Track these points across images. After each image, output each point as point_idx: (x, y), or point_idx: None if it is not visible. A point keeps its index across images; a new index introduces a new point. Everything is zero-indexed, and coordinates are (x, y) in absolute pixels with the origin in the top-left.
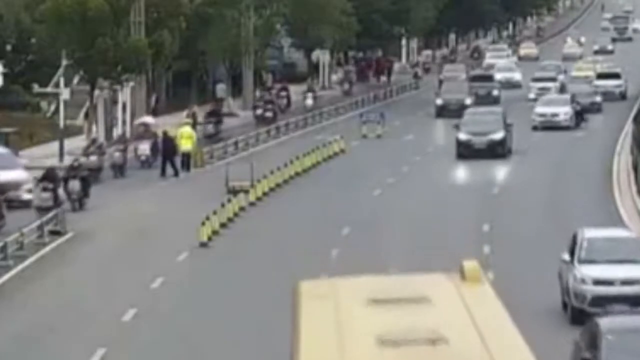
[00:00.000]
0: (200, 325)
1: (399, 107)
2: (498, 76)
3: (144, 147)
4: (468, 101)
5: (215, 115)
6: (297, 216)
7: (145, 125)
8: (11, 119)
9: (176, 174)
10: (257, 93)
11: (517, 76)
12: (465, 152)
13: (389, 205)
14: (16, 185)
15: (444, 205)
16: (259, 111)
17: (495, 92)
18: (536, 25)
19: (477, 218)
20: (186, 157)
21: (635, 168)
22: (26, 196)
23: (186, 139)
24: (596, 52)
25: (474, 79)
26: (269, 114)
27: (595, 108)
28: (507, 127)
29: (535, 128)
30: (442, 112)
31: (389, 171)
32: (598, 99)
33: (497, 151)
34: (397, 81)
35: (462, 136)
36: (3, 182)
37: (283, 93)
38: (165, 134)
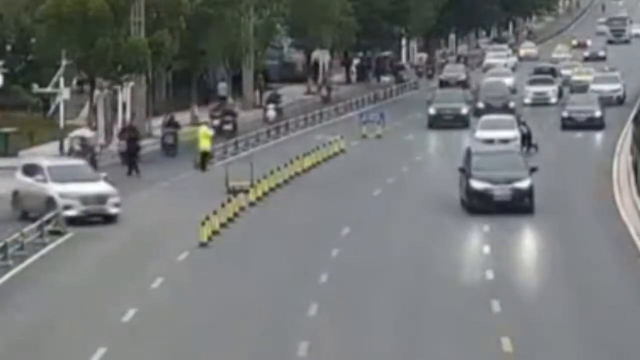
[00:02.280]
0: (200, 325)
1: (399, 107)
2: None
3: None
4: (464, 110)
5: (231, 115)
6: (297, 216)
7: (82, 139)
8: (11, 119)
9: (136, 171)
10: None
11: (508, 81)
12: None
13: (389, 205)
14: (102, 199)
15: (444, 205)
16: (216, 122)
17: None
18: (526, 31)
19: (476, 217)
20: (205, 156)
21: (635, 168)
22: (113, 210)
23: (206, 139)
24: (587, 59)
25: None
26: (228, 127)
27: (594, 124)
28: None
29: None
30: (436, 122)
31: (389, 171)
32: (598, 113)
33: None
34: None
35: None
36: (90, 195)
37: (271, 105)
38: (131, 134)
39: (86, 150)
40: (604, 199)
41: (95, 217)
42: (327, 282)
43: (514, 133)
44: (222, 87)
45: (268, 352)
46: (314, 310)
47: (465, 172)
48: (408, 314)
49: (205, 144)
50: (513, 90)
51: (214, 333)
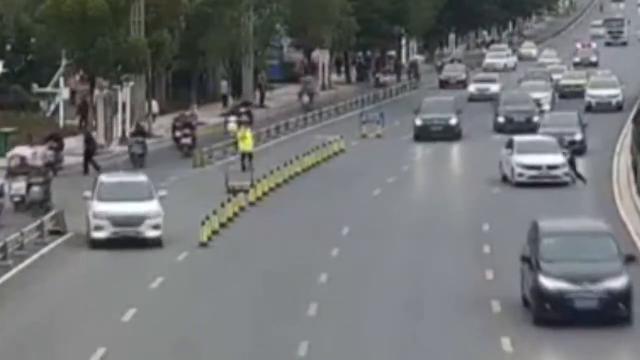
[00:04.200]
0: (200, 326)
1: (399, 107)
2: (471, 88)
3: (19, 186)
4: (454, 121)
5: (190, 128)
6: (297, 216)
7: (22, 158)
8: (11, 119)
9: (96, 169)
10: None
11: (493, 88)
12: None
13: (389, 205)
14: (135, 220)
15: (444, 205)
16: (178, 134)
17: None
18: (518, 36)
19: (477, 217)
20: (248, 157)
21: (635, 168)
22: (150, 233)
23: (248, 140)
24: (577, 65)
25: None
26: (186, 141)
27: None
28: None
29: None
30: (423, 134)
31: (389, 171)
32: (578, 136)
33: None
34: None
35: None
36: (120, 216)
37: (243, 109)
38: (87, 136)
39: (25, 170)
40: (604, 199)
41: (128, 240)
42: (327, 282)
43: (560, 158)
44: (224, 86)
45: (268, 352)
46: (314, 310)
47: (531, 263)
48: (408, 313)
49: (244, 145)
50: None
51: (214, 333)
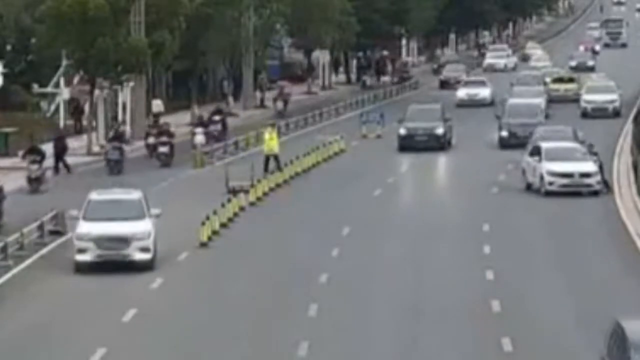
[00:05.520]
0: (200, 325)
1: (399, 107)
2: (460, 94)
3: None
4: (440, 130)
5: (167, 135)
6: (297, 216)
7: None
8: (11, 119)
9: (66, 169)
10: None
11: (483, 93)
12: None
13: (389, 205)
14: (121, 242)
15: (444, 205)
16: (151, 140)
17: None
18: (511, 39)
19: (477, 217)
20: (274, 158)
21: (635, 168)
22: (138, 256)
23: (275, 141)
24: (573, 69)
25: None
26: (164, 150)
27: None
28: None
29: None
30: (407, 144)
31: (389, 171)
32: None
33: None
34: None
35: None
36: (105, 236)
37: (217, 117)
38: (59, 135)
39: None
40: (604, 199)
41: (114, 263)
42: (327, 282)
43: (592, 165)
44: (225, 86)
45: (268, 352)
46: (314, 310)
47: None
48: (408, 313)
49: (271, 146)
50: (490, 102)
51: (214, 333)
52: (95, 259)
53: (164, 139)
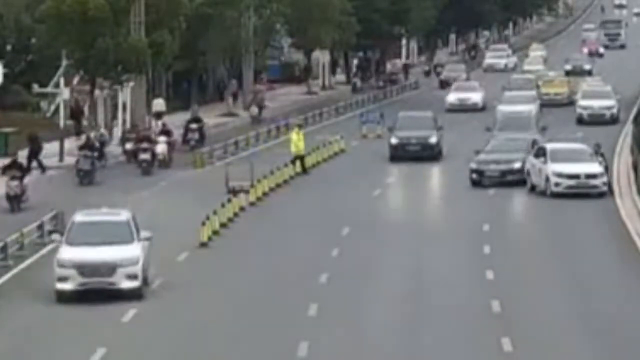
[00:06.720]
0: (200, 325)
1: (399, 107)
2: (451, 98)
3: None
4: (433, 139)
5: (148, 141)
6: (297, 216)
7: None
8: (11, 119)
9: (41, 169)
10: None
11: (474, 97)
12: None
13: (389, 205)
14: (106, 269)
15: (444, 205)
16: (129, 146)
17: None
18: (505, 40)
19: (477, 217)
20: (299, 159)
21: (635, 168)
22: (125, 284)
23: (302, 143)
24: (568, 73)
25: None
26: (145, 156)
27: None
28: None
29: None
30: (398, 153)
31: (389, 171)
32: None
33: None
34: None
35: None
36: (88, 264)
37: (194, 125)
38: (31, 136)
39: None
40: (604, 199)
41: (98, 292)
42: (327, 282)
43: (598, 166)
44: (233, 84)
45: (268, 352)
46: (314, 310)
47: None
48: (408, 314)
49: (296, 148)
50: (482, 107)
51: (214, 333)
52: (77, 287)
53: (145, 145)
